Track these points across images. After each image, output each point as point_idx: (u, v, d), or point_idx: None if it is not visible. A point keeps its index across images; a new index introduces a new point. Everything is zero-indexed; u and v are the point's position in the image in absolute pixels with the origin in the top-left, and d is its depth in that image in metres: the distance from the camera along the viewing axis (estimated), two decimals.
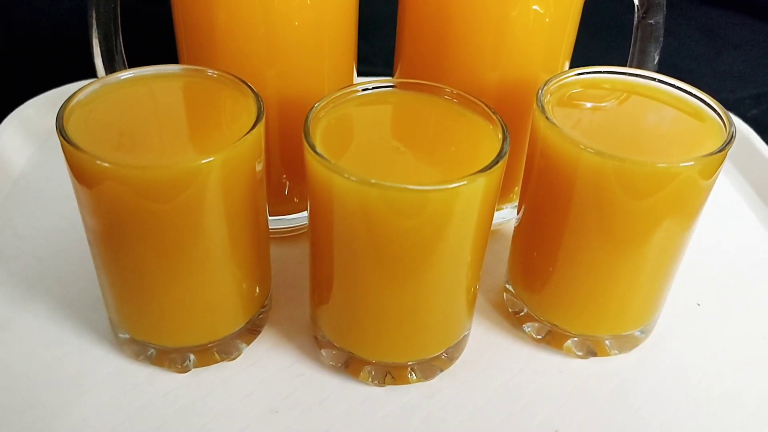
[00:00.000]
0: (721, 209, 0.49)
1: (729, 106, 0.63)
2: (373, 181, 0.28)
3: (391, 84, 0.35)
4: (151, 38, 0.53)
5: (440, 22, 0.38)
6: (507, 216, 0.46)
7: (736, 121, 0.56)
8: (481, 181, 0.29)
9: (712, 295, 0.42)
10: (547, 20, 0.38)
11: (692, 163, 0.30)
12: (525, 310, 0.39)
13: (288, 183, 0.43)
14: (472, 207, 0.30)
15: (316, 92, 0.40)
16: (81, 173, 0.29)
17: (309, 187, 0.32)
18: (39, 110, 0.53)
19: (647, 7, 0.39)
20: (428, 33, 0.39)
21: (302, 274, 0.42)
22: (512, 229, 0.40)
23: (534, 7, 0.36)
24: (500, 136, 0.31)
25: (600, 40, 0.64)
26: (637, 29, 0.40)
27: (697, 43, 0.74)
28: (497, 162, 0.29)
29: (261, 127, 0.31)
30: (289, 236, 0.45)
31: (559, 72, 0.40)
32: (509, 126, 0.33)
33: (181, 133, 0.31)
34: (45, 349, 0.37)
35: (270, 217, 0.43)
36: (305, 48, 0.38)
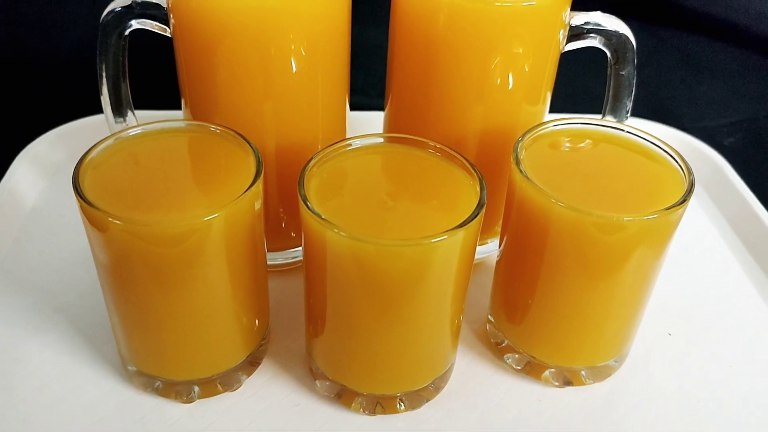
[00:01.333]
0: (694, 238, 0.52)
1: (707, 134, 0.66)
2: (362, 237, 0.31)
3: (380, 138, 0.38)
4: (156, 82, 0.55)
5: (424, 71, 0.41)
6: (491, 249, 0.48)
7: (711, 151, 0.59)
8: (460, 234, 0.32)
9: (682, 324, 0.45)
10: (526, 69, 0.40)
11: (656, 216, 0.33)
12: (506, 342, 0.42)
13: (284, 218, 0.46)
14: (452, 256, 0.33)
15: (310, 130, 0.43)
16: (94, 225, 0.32)
17: (304, 236, 0.34)
18: (48, 146, 0.56)
19: (617, 60, 0.42)
20: (414, 81, 0.42)
21: (298, 306, 0.45)
22: (495, 262, 0.42)
23: (514, 52, 0.39)
24: (478, 188, 0.34)
25: (579, 79, 0.66)
26: (611, 79, 0.43)
27: (678, 71, 0.76)
28: (474, 216, 0.32)
29: (260, 183, 0.34)
30: (286, 269, 0.48)
31: (539, 108, 0.43)
32: (492, 164, 0.37)
33: (186, 188, 0.34)
34: (59, 381, 0.40)
35: (268, 253, 0.45)
36: (300, 93, 0.40)
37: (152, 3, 0.40)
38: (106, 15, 0.40)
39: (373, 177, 0.36)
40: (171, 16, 0.40)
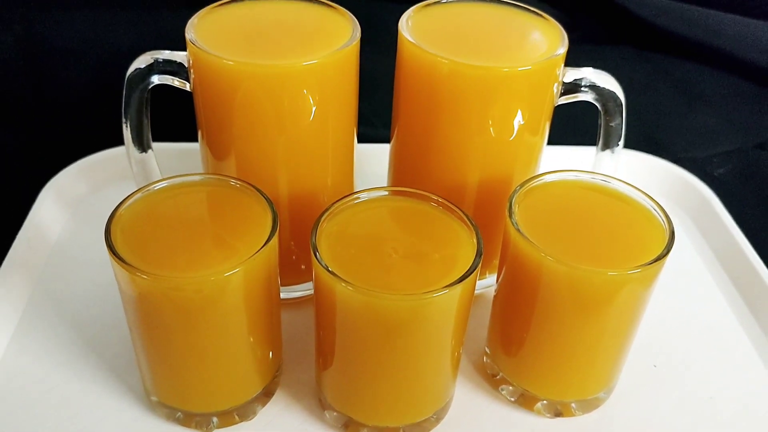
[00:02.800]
0: (681, 271, 0.55)
1: (697, 165, 0.69)
2: (368, 291, 0.34)
3: (385, 191, 0.41)
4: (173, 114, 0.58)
5: (426, 122, 0.44)
6: (489, 283, 0.51)
7: (701, 185, 0.62)
8: (458, 288, 0.35)
9: (666, 356, 0.48)
10: (522, 123, 0.43)
11: (638, 270, 0.36)
12: (501, 374, 0.45)
13: (295, 251, 0.49)
14: (451, 306, 0.36)
15: (320, 173, 0.45)
16: (125, 277, 0.35)
17: (315, 285, 0.38)
18: (71, 179, 0.59)
19: (607, 112, 0.45)
20: (416, 129, 0.45)
21: (309, 338, 0.48)
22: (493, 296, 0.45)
23: (511, 110, 0.42)
24: (475, 241, 0.37)
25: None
26: (601, 128, 0.46)
27: (671, 99, 0.79)
28: (471, 272, 0.35)
29: (275, 240, 0.37)
30: (297, 302, 0.51)
31: (534, 153, 0.46)
32: (490, 204, 0.42)
33: (208, 242, 0.37)
34: (89, 411, 0.43)
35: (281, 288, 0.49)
36: (312, 137, 0.43)
37: (174, 61, 0.43)
38: (131, 72, 0.43)
39: (379, 229, 0.39)
40: (191, 72, 0.43)
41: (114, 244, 0.36)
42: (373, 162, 0.60)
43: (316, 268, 0.36)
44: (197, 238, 0.37)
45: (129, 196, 0.39)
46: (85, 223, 0.57)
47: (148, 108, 0.46)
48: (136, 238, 0.37)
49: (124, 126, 0.46)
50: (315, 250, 0.36)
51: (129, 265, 0.34)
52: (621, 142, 0.47)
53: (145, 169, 0.48)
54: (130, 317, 0.39)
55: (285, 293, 0.50)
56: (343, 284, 0.34)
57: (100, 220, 0.57)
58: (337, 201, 0.39)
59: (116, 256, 0.35)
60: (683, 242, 0.58)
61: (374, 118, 0.74)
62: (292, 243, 0.49)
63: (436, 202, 0.40)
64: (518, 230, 0.38)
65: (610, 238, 0.40)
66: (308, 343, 0.48)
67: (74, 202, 0.59)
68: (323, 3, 0.45)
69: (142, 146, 0.47)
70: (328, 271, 0.35)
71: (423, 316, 0.35)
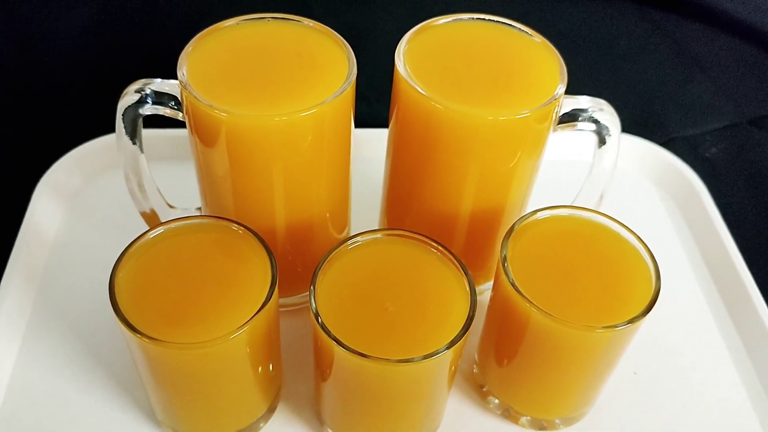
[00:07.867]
0: (666, 270, 0.56)
1: (689, 145, 0.69)
2: (366, 357, 0.35)
3: (380, 234, 0.41)
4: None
5: (420, 164, 0.44)
6: (486, 287, 0.53)
7: (691, 174, 0.62)
8: (450, 352, 0.36)
9: (647, 364, 0.50)
10: (518, 157, 0.43)
11: (627, 325, 0.38)
12: (487, 387, 0.48)
13: (292, 256, 0.50)
14: (445, 363, 0.38)
15: (316, 197, 0.46)
16: (130, 336, 0.37)
17: (313, 337, 0.39)
18: (65, 172, 0.59)
19: (601, 140, 0.45)
20: (410, 169, 0.46)
21: (306, 346, 0.50)
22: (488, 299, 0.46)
23: (508, 151, 0.43)
24: (467, 289, 0.39)
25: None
26: (596, 149, 0.46)
27: (668, 65, 0.77)
28: (462, 336, 0.37)
29: (275, 294, 0.38)
30: (296, 310, 0.52)
31: (528, 183, 0.47)
32: (487, 222, 0.44)
33: (209, 298, 0.38)
34: (100, 428, 0.45)
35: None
36: (307, 175, 0.43)
37: (164, 93, 0.42)
38: (121, 109, 0.43)
39: (375, 280, 0.40)
40: (183, 104, 0.42)
41: (118, 303, 0.37)
42: (372, 149, 0.60)
43: (315, 326, 0.38)
44: (199, 293, 0.38)
45: (128, 247, 0.39)
46: (82, 217, 0.57)
47: (141, 134, 0.45)
48: (139, 294, 0.38)
49: (118, 148, 0.45)
50: (315, 311, 0.37)
51: (137, 331, 0.36)
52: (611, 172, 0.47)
53: (136, 168, 0.47)
54: (136, 360, 0.40)
55: (283, 300, 0.52)
56: (339, 347, 0.36)
57: (97, 213, 0.58)
58: (334, 249, 0.40)
59: (123, 320, 0.36)
60: (670, 237, 0.59)
61: (368, 90, 0.72)
62: (289, 246, 0.49)
63: (431, 246, 0.41)
64: (509, 278, 0.39)
65: (598, 284, 0.41)
66: (306, 351, 0.50)
67: (70, 194, 0.59)
68: (319, 29, 0.44)
69: (133, 144, 0.46)
70: (327, 333, 0.36)
71: (418, 375, 0.37)
